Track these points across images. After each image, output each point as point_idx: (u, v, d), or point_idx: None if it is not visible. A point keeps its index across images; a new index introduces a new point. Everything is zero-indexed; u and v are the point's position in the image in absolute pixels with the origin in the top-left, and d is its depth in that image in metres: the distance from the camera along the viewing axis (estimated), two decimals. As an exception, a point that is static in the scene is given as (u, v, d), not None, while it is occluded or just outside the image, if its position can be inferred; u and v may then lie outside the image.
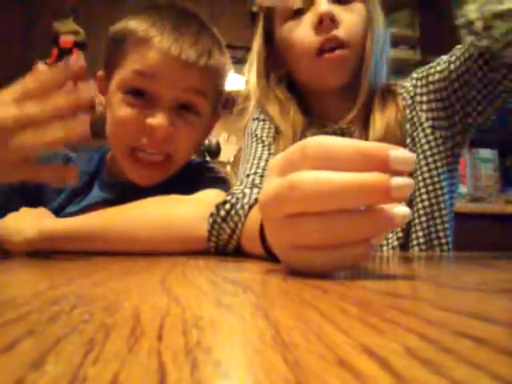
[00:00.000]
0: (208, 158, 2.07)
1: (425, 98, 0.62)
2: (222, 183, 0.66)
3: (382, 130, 0.58)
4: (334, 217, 0.23)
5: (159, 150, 0.58)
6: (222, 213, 0.48)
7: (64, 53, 2.02)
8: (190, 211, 0.52)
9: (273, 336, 0.11)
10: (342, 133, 0.62)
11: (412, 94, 0.64)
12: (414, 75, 0.67)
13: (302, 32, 0.57)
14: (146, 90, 0.57)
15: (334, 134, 0.61)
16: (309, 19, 0.57)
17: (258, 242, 0.39)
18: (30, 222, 0.49)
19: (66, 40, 2.01)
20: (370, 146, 0.23)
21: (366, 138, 0.59)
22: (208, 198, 0.56)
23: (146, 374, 0.08)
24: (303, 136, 0.60)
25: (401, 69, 2.46)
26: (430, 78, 0.61)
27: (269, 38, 0.65)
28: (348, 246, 0.24)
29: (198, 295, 0.19)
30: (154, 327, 0.12)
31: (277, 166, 0.26)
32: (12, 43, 1.92)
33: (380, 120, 0.59)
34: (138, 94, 0.57)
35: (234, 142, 2.11)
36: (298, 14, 0.58)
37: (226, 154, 2.11)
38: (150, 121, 0.56)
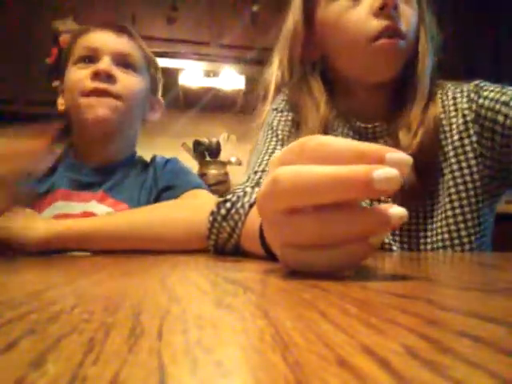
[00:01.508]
0: (208, 158, 2.07)
1: (475, 128, 0.56)
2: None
3: (420, 136, 0.53)
4: (327, 214, 0.23)
5: (102, 87, 0.70)
6: (223, 211, 0.48)
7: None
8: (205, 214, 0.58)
9: (273, 336, 0.11)
10: (367, 132, 0.58)
11: (465, 111, 0.58)
12: (484, 93, 0.57)
13: (359, 15, 0.52)
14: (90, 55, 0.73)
15: (358, 133, 0.59)
16: (368, 2, 0.52)
17: (258, 241, 0.38)
18: (42, 221, 0.55)
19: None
20: (368, 147, 0.22)
21: (397, 142, 0.54)
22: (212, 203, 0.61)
23: (146, 374, 0.08)
24: (331, 132, 0.57)
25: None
26: (496, 128, 0.54)
27: (305, 19, 0.58)
28: (344, 245, 0.23)
29: (198, 295, 0.19)
30: (153, 327, 0.12)
31: (275, 163, 0.26)
32: (12, 43, 1.92)
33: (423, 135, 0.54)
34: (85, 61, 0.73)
35: (234, 142, 2.11)
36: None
37: (226, 153, 2.11)
38: (98, 65, 0.71)
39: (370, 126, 0.59)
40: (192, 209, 0.62)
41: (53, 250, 0.52)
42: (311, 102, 0.58)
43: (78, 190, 0.71)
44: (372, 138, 0.58)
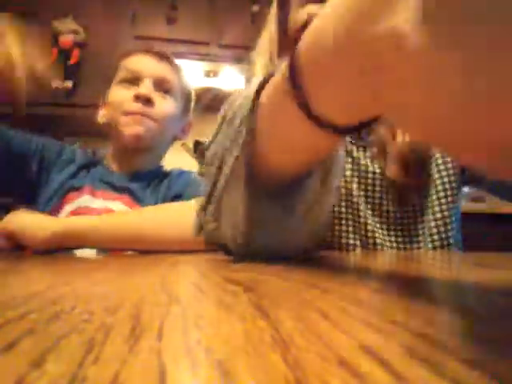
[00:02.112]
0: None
1: None
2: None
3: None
4: None
5: (145, 110, 0.78)
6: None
7: (64, 52, 2.03)
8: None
9: (273, 336, 0.11)
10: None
11: None
12: None
13: None
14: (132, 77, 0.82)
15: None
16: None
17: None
18: (52, 219, 0.59)
19: (66, 40, 2.01)
20: None
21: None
22: None
23: (146, 374, 0.08)
24: None
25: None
26: None
27: (281, 25, 0.60)
28: None
29: (198, 295, 0.19)
30: (153, 327, 0.12)
31: None
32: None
33: None
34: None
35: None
36: None
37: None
38: (140, 89, 0.79)
39: None
40: (193, 210, 0.62)
41: (55, 249, 0.54)
42: None
43: (105, 190, 0.78)
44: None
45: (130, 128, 0.78)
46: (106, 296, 0.18)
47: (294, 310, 0.15)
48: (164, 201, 0.78)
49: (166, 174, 0.87)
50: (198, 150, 0.50)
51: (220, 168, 0.35)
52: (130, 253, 0.56)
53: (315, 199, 0.36)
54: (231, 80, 2.13)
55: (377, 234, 0.61)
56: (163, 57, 0.86)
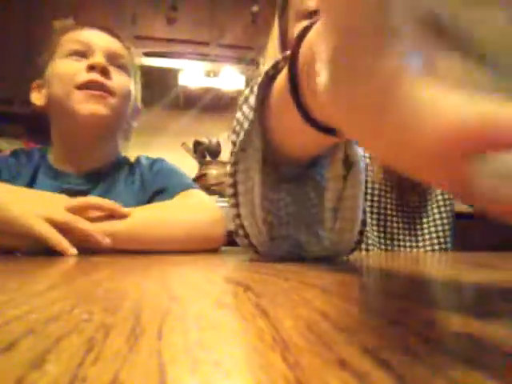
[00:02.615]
0: (208, 158, 2.07)
1: None
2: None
3: None
4: None
5: (99, 80, 0.67)
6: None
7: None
8: (209, 216, 0.61)
9: (273, 336, 0.11)
10: None
11: None
12: None
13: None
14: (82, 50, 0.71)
15: None
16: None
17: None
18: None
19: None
20: None
21: None
22: (208, 202, 0.65)
23: (146, 374, 0.08)
24: None
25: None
26: None
27: (283, 37, 0.67)
28: None
29: (198, 295, 0.19)
30: (154, 327, 0.12)
31: None
32: (12, 43, 1.92)
33: None
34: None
35: (234, 142, 2.10)
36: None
37: (227, 153, 2.11)
38: (92, 60, 0.68)
39: None
40: (191, 209, 0.62)
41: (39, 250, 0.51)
42: None
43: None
44: None
45: (87, 106, 0.65)
46: (106, 296, 0.18)
47: (294, 309, 0.15)
48: (139, 197, 0.70)
49: (132, 164, 0.77)
50: (198, 150, 0.51)
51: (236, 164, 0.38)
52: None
53: (339, 195, 0.38)
54: (231, 80, 2.13)
55: (369, 234, 0.63)
56: (113, 32, 0.77)
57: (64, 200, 0.54)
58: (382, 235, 0.62)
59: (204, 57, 2.09)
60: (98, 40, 0.72)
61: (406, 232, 0.62)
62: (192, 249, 0.56)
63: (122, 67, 0.73)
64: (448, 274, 0.30)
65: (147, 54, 2.00)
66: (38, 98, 0.73)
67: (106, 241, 0.52)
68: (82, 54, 0.70)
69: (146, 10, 2.11)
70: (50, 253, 0.48)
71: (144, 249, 0.54)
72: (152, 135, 2.19)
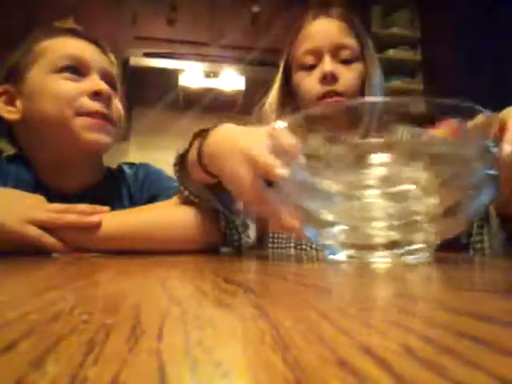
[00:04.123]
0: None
1: None
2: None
3: None
4: None
5: (105, 111, 0.64)
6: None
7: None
8: (207, 216, 0.60)
9: (273, 336, 0.11)
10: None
11: None
12: None
13: (311, 82, 0.77)
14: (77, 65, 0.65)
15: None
16: (317, 73, 0.76)
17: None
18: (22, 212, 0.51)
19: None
20: None
21: None
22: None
23: (146, 374, 0.08)
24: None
25: (401, 69, 2.47)
26: None
27: (288, 79, 0.84)
28: None
29: (198, 295, 0.19)
30: (154, 327, 0.12)
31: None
32: (12, 43, 1.91)
33: None
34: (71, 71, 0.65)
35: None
36: (310, 67, 0.78)
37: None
38: (93, 84, 0.64)
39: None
40: (188, 208, 0.61)
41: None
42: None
43: None
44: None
45: (91, 134, 0.62)
46: (106, 296, 0.18)
47: (294, 310, 0.15)
48: (138, 203, 0.68)
49: (116, 176, 0.74)
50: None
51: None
52: (94, 254, 0.50)
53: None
54: (231, 81, 2.13)
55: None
56: (100, 45, 0.70)
57: (42, 199, 0.55)
58: None
59: (204, 57, 2.09)
60: (91, 56, 0.66)
61: None
62: (190, 249, 0.56)
63: (115, 87, 0.69)
64: (448, 274, 0.30)
65: (147, 55, 2.00)
66: (8, 110, 0.65)
67: (95, 219, 0.52)
68: (74, 71, 0.64)
69: (146, 10, 2.11)
70: (47, 253, 0.48)
71: (141, 249, 0.54)
72: (152, 135, 2.19)
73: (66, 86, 0.63)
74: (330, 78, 0.75)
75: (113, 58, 0.72)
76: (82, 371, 0.08)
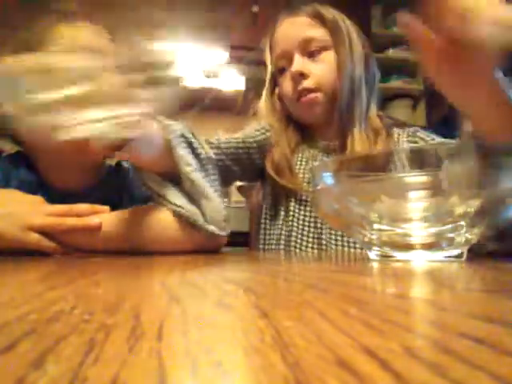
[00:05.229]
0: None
1: None
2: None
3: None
4: None
5: None
6: None
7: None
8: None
9: (273, 336, 0.11)
10: (330, 150, 0.80)
11: (404, 144, 0.81)
12: (418, 134, 0.81)
13: (286, 85, 0.79)
14: None
15: (322, 150, 0.80)
16: (288, 75, 0.78)
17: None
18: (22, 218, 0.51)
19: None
20: None
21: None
22: None
23: (146, 374, 0.08)
24: (297, 148, 0.81)
25: (401, 69, 2.46)
26: None
27: (275, 83, 0.86)
28: None
29: (197, 295, 0.19)
30: (154, 327, 0.12)
31: None
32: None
33: (358, 145, 0.75)
34: None
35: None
36: (284, 70, 0.80)
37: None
38: None
39: (331, 143, 0.80)
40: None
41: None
42: (280, 128, 0.82)
43: None
44: (333, 153, 0.79)
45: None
46: (106, 296, 0.18)
47: (294, 310, 0.15)
48: (138, 201, 0.67)
49: (115, 171, 0.75)
50: None
51: None
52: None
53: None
54: (231, 80, 2.13)
55: (323, 236, 0.73)
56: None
57: (42, 201, 0.54)
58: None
59: (204, 57, 2.09)
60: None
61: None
62: (193, 250, 0.56)
63: None
64: (448, 274, 0.30)
65: (147, 55, 2.00)
66: None
67: (95, 220, 0.52)
68: None
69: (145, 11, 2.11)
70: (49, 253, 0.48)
71: (141, 250, 0.54)
72: (152, 135, 2.18)
73: None
74: (298, 77, 0.75)
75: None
76: (82, 371, 0.08)
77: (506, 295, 0.19)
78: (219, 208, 0.55)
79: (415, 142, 0.79)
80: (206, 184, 0.55)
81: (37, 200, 0.55)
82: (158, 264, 0.39)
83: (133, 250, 0.53)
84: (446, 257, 0.37)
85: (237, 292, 0.20)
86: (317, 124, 0.82)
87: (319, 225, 0.75)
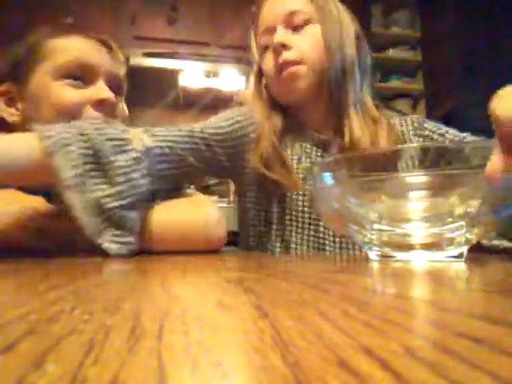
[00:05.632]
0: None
1: None
2: None
3: (358, 138, 0.67)
4: None
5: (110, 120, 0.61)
6: None
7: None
8: (203, 216, 0.59)
9: (273, 336, 0.11)
10: (323, 143, 0.72)
11: (411, 136, 0.74)
12: (425, 125, 0.75)
13: (268, 60, 0.73)
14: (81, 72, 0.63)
15: (314, 144, 0.73)
16: (271, 50, 0.72)
17: None
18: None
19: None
20: None
21: (343, 146, 0.68)
22: (207, 203, 0.63)
23: (146, 374, 0.08)
24: (282, 138, 0.73)
25: (401, 69, 2.47)
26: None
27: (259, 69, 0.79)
28: None
29: (197, 295, 0.19)
30: (154, 327, 0.12)
31: None
32: (11, 43, 1.91)
33: (357, 130, 0.68)
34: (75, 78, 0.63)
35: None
36: (267, 49, 0.73)
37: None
38: (98, 92, 0.62)
39: (322, 136, 0.72)
40: (189, 209, 0.60)
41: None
42: (266, 115, 0.74)
43: None
44: (328, 148, 0.72)
45: None
46: (106, 296, 0.18)
47: (294, 310, 0.15)
48: None
49: None
50: None
51: None
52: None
53: None
54: (231, 80, 2.13)
55: (311, 240, 0.68)
56: (108, 43, 0.68)
57: (43, 201, 0.55)
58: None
59: (204, 57, 2.09)
60: (99, 60, 0.64)
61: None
62: (191, 250, 0.56)
63: (121, 89, 0.68)
64: (448, 274, 0.30)
65: (147, 55, 2.00)
66: (10, 112, 0.63)
67: None
68: (81, 76, 0.62)
69: (146, 10, 2.11)
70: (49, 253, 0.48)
71: (141, 249, 0.53)
72: (152, 135, 2.19)
73: (68, 94, 0.61)
74: (279, 48, 0.70)
75: (121, 56, 0.70)
76: (81, 371, 0.08)
77: (506, 295, 0.19)
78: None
79: (425, 136, 0.72)
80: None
81: (38, 200, 0.55)
82: (158, 264, 0.39)
83: (142, 250, 0.53)
84: (446, 257, 0.37)
85: (237, 292, 0.20)
86: (302, 107, 0.74)
87: (314, 221, 0.69)
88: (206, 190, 1.88)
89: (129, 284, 0.24)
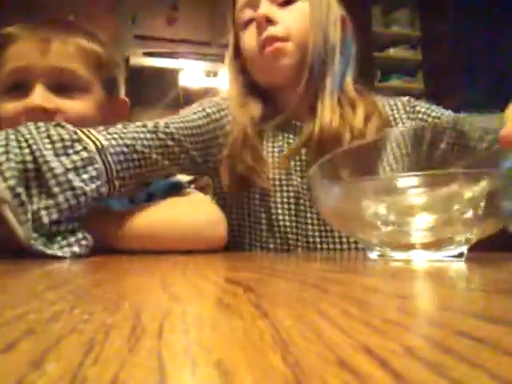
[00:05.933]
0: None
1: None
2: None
3: (328, 122, 0.63)
4: None
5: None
6: None
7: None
8: (209, 216, 0.59)
9: (273, 336, 0.11)
10: (294, 124, 0.68)
11: (404, 120, 0.71)
12: (417, 108, 0.73)
13: (249, 36, 0.67)
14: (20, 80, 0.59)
15: (286, 125, 0.68)
16: (253, 25, 0.66)
17: None
18: None
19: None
20: None
21: (312, 132, 0.64)
22: (208, 203, 0.63)
23: (146, 374, 0.08)
24: (262, 127, 0.67)
25: (401, 68, 2.46)
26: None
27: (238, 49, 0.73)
28: None
29: (198, 295, 0.19)
30: (154, 327, 0.12)
31: None
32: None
33: (328, 115, 0.64)
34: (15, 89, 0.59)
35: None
36: (248, 24, 0.68)
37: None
38: (30, 99, 0.57)
39: (301, 124, 0.67)
40: (189, 209, 0.60)
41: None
42: (240, 102, 0.69)
43: None
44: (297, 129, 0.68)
45: None
46: (106, 296, 0.18)
47: (294, 309, 0.15)
48: (136, 201, 0.67)
49: None
50: None
51: None
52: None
53: None
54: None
55: (290, 235, 0.65)
56: (55, 28, 0.61)
57: None
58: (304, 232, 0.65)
59: (204, 57, 2.09)
60: (33, 61, 0.58)
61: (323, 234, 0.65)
62: (191, 250, 0.56)
63: (71, 86, 0.61)
64: (448, 274, 0.30)
65: (147, 54, 2.00)
66: None
67: None
68: (22, 85, 0.58)
69: (145, 10, 2.11)
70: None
71: (141, 249, 0.54)
72: (152, 135, 2.19)
73: (5, 107, 0.59)
74: (264, 23, 0.63)
75: (84, 36, 0.63)
76: (81, 371, 0.08)
77: (506, 295, 0.19)
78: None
79: (420, 119, 0.70)
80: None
81: None
82: (158, 264, 0.39)
83: (142, 250, 0.53)
84: (445, 257, 0.37)
85: (237, 292, 0.20)
86: (281, 90, 0.69)
87: (290, 218, 0.65)
88: (205, 189, 1.88)
89: (129, 284, 0.24)
